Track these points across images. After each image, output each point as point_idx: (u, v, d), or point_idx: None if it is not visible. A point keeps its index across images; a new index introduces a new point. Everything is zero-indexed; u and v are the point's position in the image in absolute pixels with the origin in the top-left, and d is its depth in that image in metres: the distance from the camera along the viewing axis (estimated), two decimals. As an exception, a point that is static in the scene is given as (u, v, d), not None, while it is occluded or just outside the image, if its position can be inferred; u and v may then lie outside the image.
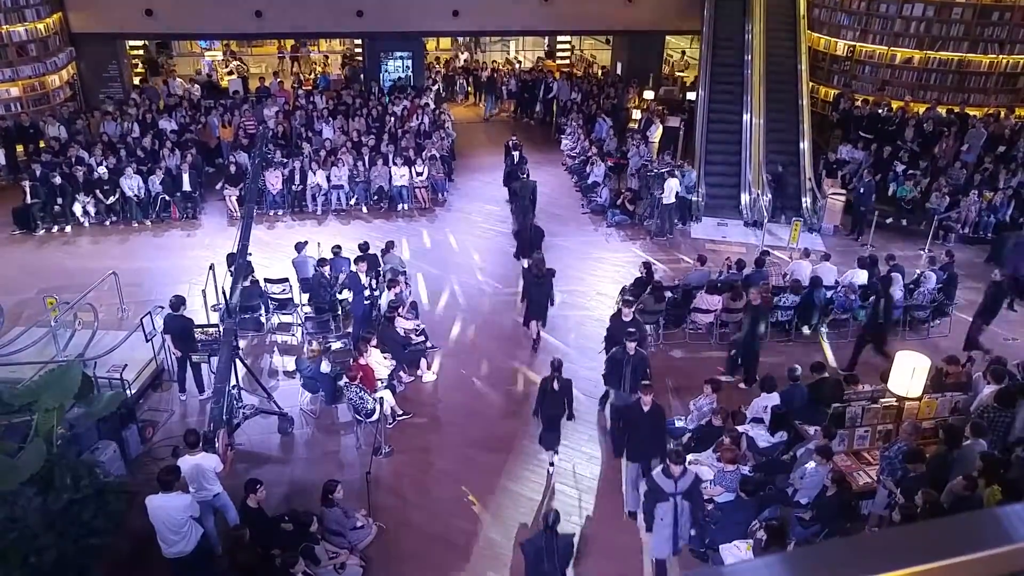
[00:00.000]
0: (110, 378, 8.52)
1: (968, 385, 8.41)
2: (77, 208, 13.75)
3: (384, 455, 8.31)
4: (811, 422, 7.97)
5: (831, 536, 6.64)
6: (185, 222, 14.21)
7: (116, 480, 7.13)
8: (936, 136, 16.04)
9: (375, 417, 8.38)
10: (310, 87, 20.87)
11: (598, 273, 12.64)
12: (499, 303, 11.52)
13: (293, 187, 14.64)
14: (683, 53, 24.75)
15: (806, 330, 10.86)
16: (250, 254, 9.58)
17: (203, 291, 10.09)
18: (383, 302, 10.08)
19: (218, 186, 14.90)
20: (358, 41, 22.17)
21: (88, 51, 18.23)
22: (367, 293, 10.23)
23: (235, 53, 23.47)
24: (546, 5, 19.05)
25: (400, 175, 14.78)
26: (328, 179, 14.66)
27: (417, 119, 17.53)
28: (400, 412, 8.90)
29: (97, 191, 13.86)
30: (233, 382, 8.34)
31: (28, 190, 13.51)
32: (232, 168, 14.64)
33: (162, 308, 9.50)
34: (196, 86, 19.83)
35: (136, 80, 20.67)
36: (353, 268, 10.36)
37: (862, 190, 14.02)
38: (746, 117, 15.70)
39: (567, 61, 25.50)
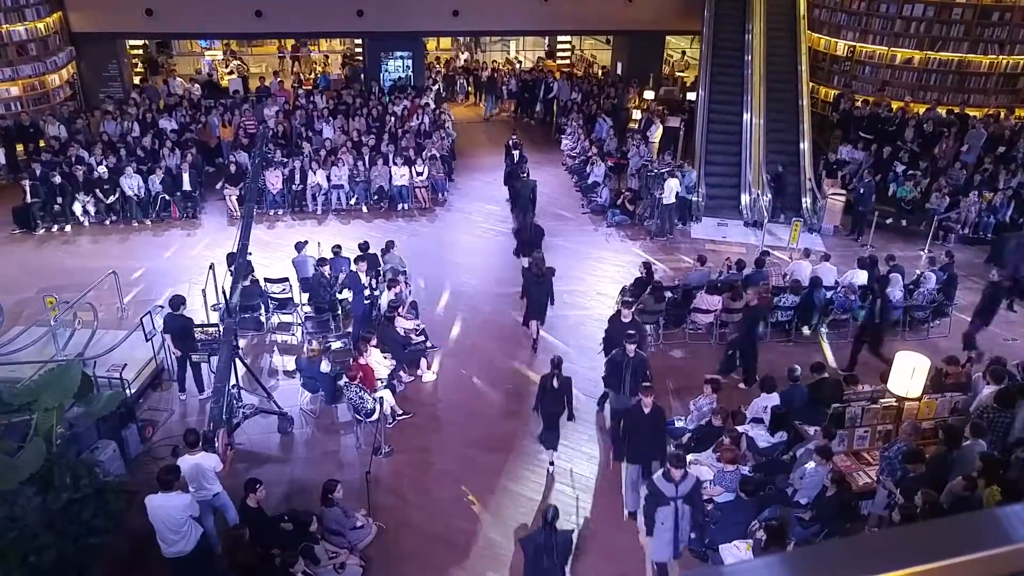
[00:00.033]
0: (110, 377, 8.52)
1: (968, 385, 8.42)
2: (77, 207, 13.75)
3: (384, 455, 8.31)
4: (811, 422, 7.97)
5: (831, 536, 6.64)
6: (185, 222, 14.21)
7: (116, 479, 7.13)
8: (936, 136, 16.04)
9: (375, 417, 8.38)
10: (310, 87, 20.87)
11: (598, 273, 12.64)
12: (499, 303, 11.52)
13: (293, 187, 14.64)
14: (683, 53, 24.75)
15: (806, 330, 10.86)
16: (250, 253, 9.58)
17: (203, 290, 10.09)
18: (383, 302, 10.08)
19: (218, 186, 14.91)
20: (358, 41, 22.18)
21: (88, 50, 18.23)
22: (367, 293, 10.23)
23: (235, 53, 23.48)
24: (546, 5, 19.05)
25: (400, 175, 14.78)
26: (328, 179, 14.66)
27: (417, 119, 17.53)
28: (400, 412, 8.90)
29: (97, 190, 13.86)
30: (233, 382, 8.34)
31: (28, 189, 13.51)
32: (232, 168, 14.64)
33: (162, 307, 9.51)
34: (196, 85, 19.83)
35: (136, 80, 20.66)
36: (353, 268, 10.36)
37: (862, 190, 14.02)
38: (746, 117, 15.70)
39: (567, 61, 25.50)
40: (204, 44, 24.21)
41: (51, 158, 14.59)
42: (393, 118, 17.49)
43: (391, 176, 14.83)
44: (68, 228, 13.75)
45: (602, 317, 10.18)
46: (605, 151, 16.69)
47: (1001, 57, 16.45)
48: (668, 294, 10.49)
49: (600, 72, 23.63)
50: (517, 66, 23.34)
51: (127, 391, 8.48)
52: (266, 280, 10.59)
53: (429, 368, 9.84)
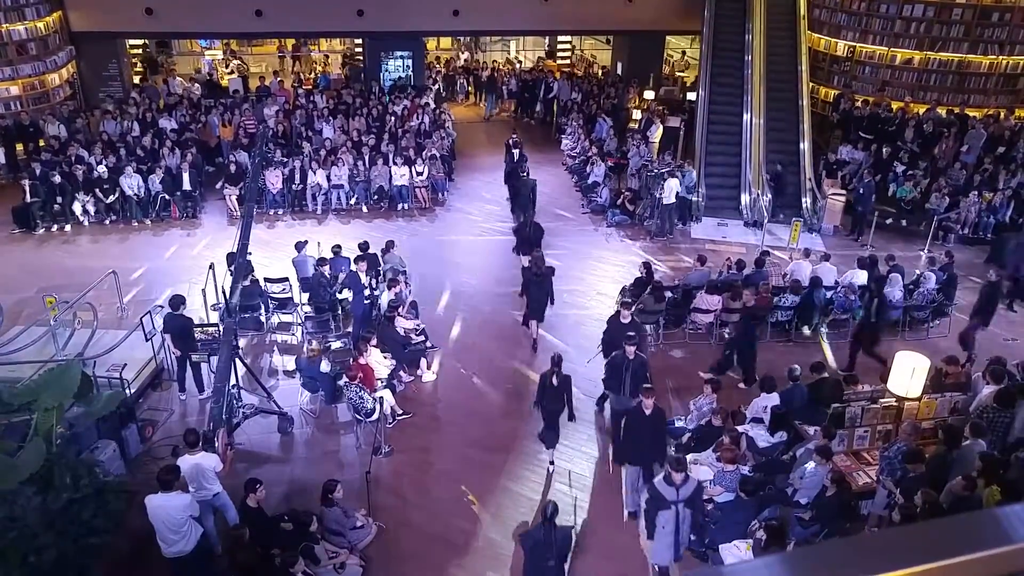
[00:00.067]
0: (109, 377, 8.52)
1: (967, 385, 8.42)
2: (77, 207, 13.75)
3: (384, 455, 8.31)
4: (811, 422, 7.97)
5: (831, 536, 6.64)
6: (185, 221, 14.21)
7: (116, 479, 7.13)
8: (936, 137, 16.05)
9: (375, 417, 8.38)
10: (310, 86, 20.87)
11: (598, 273, 12.64)
12: (499, 303, 11.51)
13: (293, 186, 14.64)
14: (683, 53, 24.76)
15: (806, 330, 10.87)
16: (250, 253, 9.58)
17: (203, 290, 10.09)
18: (383, 302, 10.08)
19: (218, 185, 14.91)
20: (358, 40, 22.18)
21: (88, 50, 18.23)
22: (367, 293, 10.23)
23: (235, 52, 23.47)
24: (546, 5, 19.05)
25: (400, 175, 14.78)
26: (328, 178, 14.66)
27: (417, 119, 17.53)
28: (400, 412, 8.90)
29: (97, 190, 13.86)
30: (233, 381, 8.34)
31: (28, 189, 13.51)
32: (232, 167, 14.64)
33: (162, 307, 9.51)
34: (196, 85, 19.84)
35: (136, 79, 20.66)
36: (353, 267, 10.36)
37: (862, 190, 14.02)
38: (746, 117, 15.70)
39: (567, 61, 25.50)
40: (204, 44, 24.22)
41: (51, 158, 14.59)
42: (393, 118, 17.49)
43: (391, 176, 14.83)
44: (68, 228, 13.75)
45: (602, 317, 10.18)
46: (605, 151, 16.69)
47: (1001, 57, 16.45)
48: (668, 294, 10.49)
49: (600, 72, 23.63)
50: (517, 66, 23.35)
51: (127, 391, 8.48)
52: (266, 280, 10.59)
53: (429, 368, 9.84)
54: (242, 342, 9.71)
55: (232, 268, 9.85)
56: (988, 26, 16.24)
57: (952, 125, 16.12)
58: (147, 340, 9.19)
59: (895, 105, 17.07)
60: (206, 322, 9.48)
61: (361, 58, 22.05)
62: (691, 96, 18.21)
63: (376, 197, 14.95)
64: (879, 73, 17.56)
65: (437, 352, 10.11)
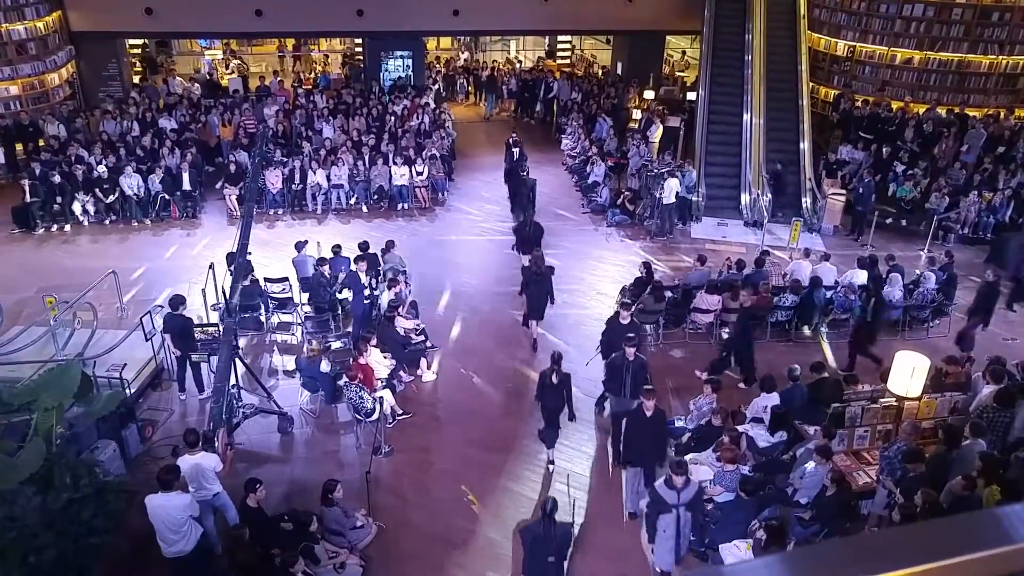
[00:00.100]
0: (109, 377, 8.52)
1: (967, 385, 8.42)
2: (76, 207, 13.74)
3: (384, 455, 8.31)
4: (811, 422, 7.97)
5: (831, 536, 6.64)
6: (185, 221, 14.21)
7: (116, 479, 7.13)
8: (936, 136, 16.05)
9: (375, 417, 8.38)
10: (310, 86, 20.88)
11: (598, 272, 12.65)
12: (499, 303, 11.51)
13: (293, 186, 14.63)
14: (683, 53, 24.76)
15: (806, 330, 10.88)
16: (250, 253, 9.58)
17: (203, 290, 10.09)
18: (383, 302, 10.08)
19: (218, 185, 14.91)
20: (358, 40, 22.18)
21: (88, 50, 18.23)
22: (367, 292, 10.23)
23: (235, 52, 23.47)
24: (546, 5, 19.04)
25: (400, 174, 14.78)
26: (328, 178, 14.66)
27: (417, 118, 17.53)
28: (400, 412, 8.90)
29: (96, 190, 13.86)
30: (233, 381, 8.34)
31: (27, 189, 13.50)
32: (232, 167, 14.63)
33: (161, 307, 9.51)
34: (196, 85, 19.84)
35: (135, 79, 20.66)
36: (353, 267, 10.36)
37: (862, 190, 14.02)
38: (746, 117, 15.70)
39: (567, 61, 25.50)
40: (204, 43, 24.21)
41: (50, 157, 14.58)
42: (393, 118, 17.49)
43: (391, 176, 14.83)
44: (67, 228, 13.74)
45: (602, 317, 10.18)
46: (605, 151, 16.69)
47: (1001, 57, 16.45)
48: (668, 294, 10.49)
49: (600, 72, 23.62)
50: (517, 66, 23.34)
51: (127, 391, 8.48)
52: (266, 280, 10.59)
53: (429, 368, 9.84)
54: (242, 342, 9.71)
55: (232, 268, 9.85)
56: (988, 26, 16.24)
57: (952, 125, 16.12)
58: (147, 340, 9.19)
59: (895, 105, 17.07)
60: (206, 322, 9.48)
61: (361, 58, 22.05)
62: (691, 96, 18.20)
63: (376, 197, 14.95)
64: (879, 73, 17.56)
65: (437, 352, 10.11)
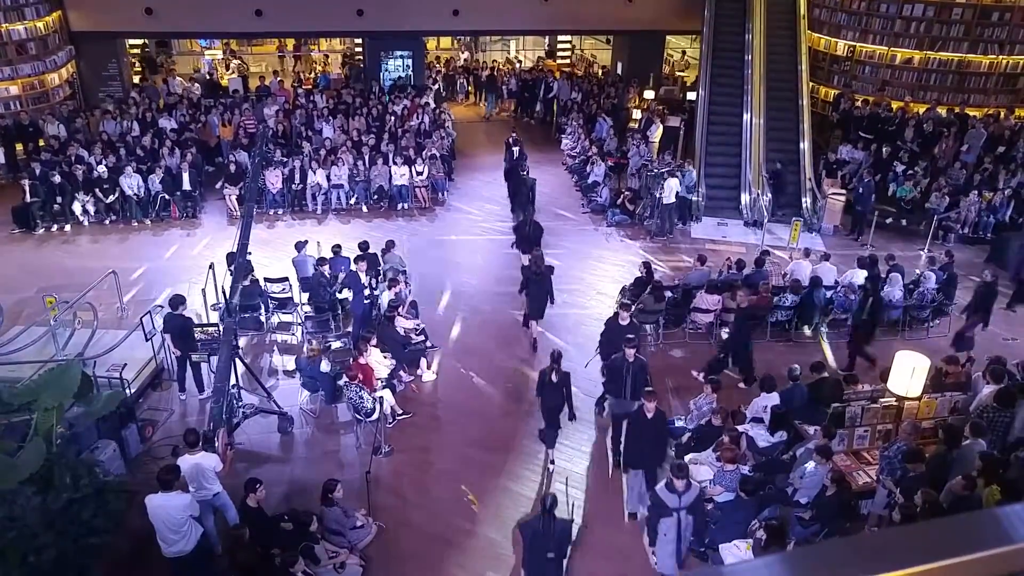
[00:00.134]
0: (109, 377, 8.52)
1: (967, 385, 8.42)
2: (76, 207, 13.74)
3: (384, 454, 8.31)
4: (811, 422, 7.97)
5: (831, 536, 6.64)
6: (185, 221, 14.20)
7: (116, 479, 7.13)
8: (936, 136, 16.05)
9: (375, 416, 8.38)
10: (310, 86, 20.88)
11: (598, 272, 12.65)
12: (499, 303, 11.51)
13: (293, 186, 14.63)
14: (683, 53, 24.76)
15: (806, 330, 10.88)
16: (250, 253, 9.58)
17: (203, 290, 10.09)
18: (383, 301, 10.08)
19: (218, 185, 14.91)
20: (358, 40, 22.17)
21: (88, 50, 18.23)
22: (367, 292, 10.23)
23: (235, 52, 23.47)
24: (546, 5, 19.04)
25: (400, 174, 14.78)
26: (328, 178, 14.66)
27: (417, 118, 17.53)
28: (400, 411, 8.90)
29: (97, 190, 13.86)
30: (233, 381, 8.34)
31: (27, 189, 13.50)
32: (232, 167, 14.64)
33: (161, 307, 9.51)
34: (196, 85, 19.83)
35: (135, 79, 20.66)
36: (353, 267, 10.36)
37: (862, 190, 14.02)
38: (746, 117, 15.70)
39: (567, 61, 25.50)
40: (204, 43, 24.22)
41: (50, 157, 14.58)
42: (393, 117, 17.49)
43: (391, 175, 14.83)
44: (68, 228, 13.74)
45: (601, 316, 10.18)
46: (605, 151, 16.69)
47: (1001, 57, 16.45)
48: (668, 294, 10.49)
49: (600, 72, 23.62)
50: (517, 65, 23.34)
51: (127, 391, 8.48)
52: (266, 280, 10.59)
53: (429, 368, 9.84)
54: (242, 342, 9.71)
55: (232, 268, 9.85)
56: (988, 26, 16.24)
57: (952, 125, 16.12)
58: (147, 340, 9.19)
59: (895, 105, 17.07)
60: (206, 322, 9.48)
61: (361, 58, 22.05)
62: (691, 96, 18.20)
63: (376, 197, 14.95)
64: (879, 73, 17.56)
65: (437, 352, 10.11)
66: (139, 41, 22.03)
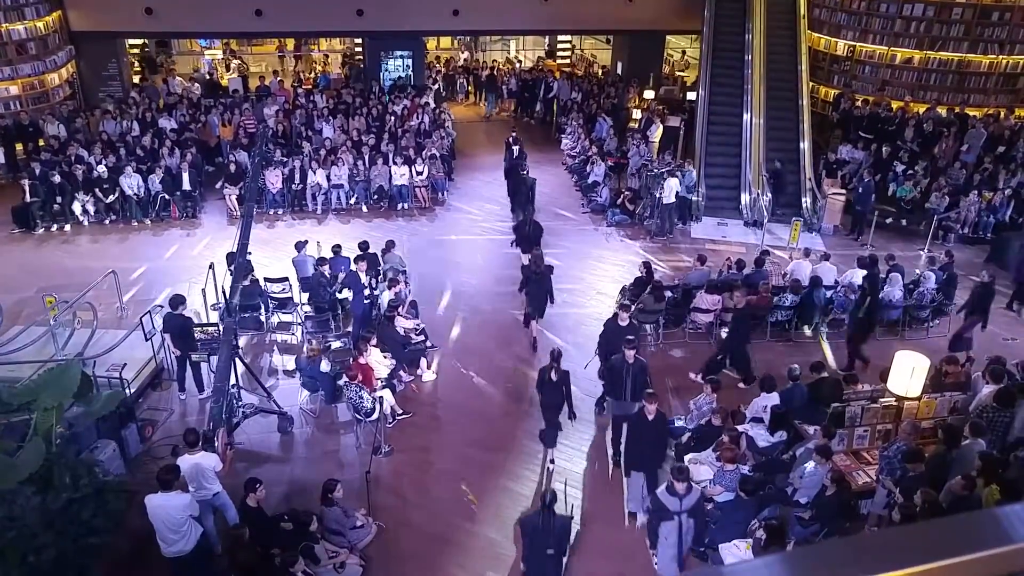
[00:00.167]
0: (109, 377, 8.52)
1: (967, 385, 8.42)
2: (76, 207, 13.74)
3: (384, 454, 8.31)
4: (811, 422, 7.97)
5: (830, 535, 6.64)
6: (185, 221, 14.20)
7: (115, 479, 7.13)
8: (936, 136, 16.05)
9: (375, 416, 8.38)
10: (310, 86, 20.87)
11: (598, 272, 12.65)
12: (499, 302, 11.51)
13: (293, 186, 14.63)
14: (683, 53, 24.76)
15: (806, 330, 10.88)
16: (250, 253, 9.58)
17: (203, 290, 10.09)
18: (383, 301, 10.08)
19: (218, 185, 14.91)
20: (358, 40, 22.17)
21: (88, 49, 18.23)
22: (367, 292, 10.23)
23: (235, 52, 23.47)
24: (546, 5, 19.03)
25: (400, 174, 14.78)
26: (328, 178, 14.66)
27: (417, 118, 17.53)
28: (400, 411, 8.90)
29: (96, 190, 13.86)
30: (233, 381, 8.34)
31: (27, 189, 13.50)
32: (232, 167, 14.63)
33: (161, 307, 9.51)
34: (196, 85, 19.83)
35: (135, 79, 20.65)
36: (353, 267, 10.36)
37: (862, 190, 14.02)
38: (746, 117, 15.70)
39: (567, 61, 25.50)
40: (204, 43, 24.21)
41: (50, 157, 14.58)
42: (393, 117, 17.49)
43: (391, 175, 14.83)
44: (67, 227, 13.74)
45: (601, 316, 10.18)
46: (605, 151, 16.69)
47: (1001, 57, 16.45)
48: (668, 294, 10.49)
49: (600, 72, 23.62)
50: (517, 65, 23.34)
51: (127, 391, 8.48)
52: (266, 280, 10.59)
53: (429, 368, 9.84)
54: (242, 342, 9.70)
55: (232, 268, 9.85)
56: (988, 26, 16.24)
57: (952, 125, 16.12)
58: (147, 340, 9.19)
59: (895, 105, 17.07)
60: (206, 322, 9.47)
61: (361, 58, 22.05)
62: (691, 96, 18.20)
63: (376, 197, 14.95)
64: (879, 73, 17.56)
65: (437, 352, 10.11)
66: (139, 41, 22.02)
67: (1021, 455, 6.84)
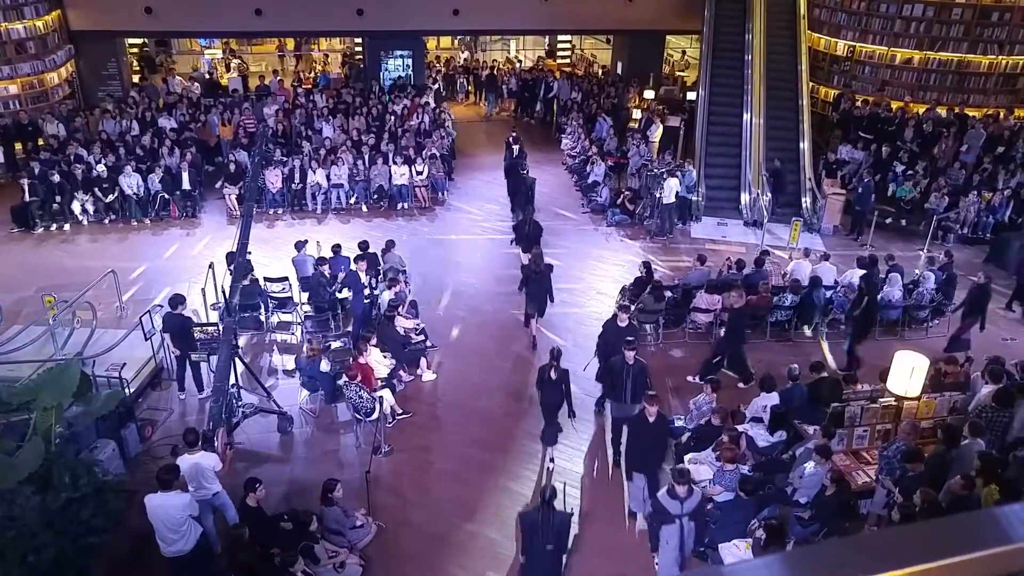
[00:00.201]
0: (109, 377, 8.52)
1: (966, 385, 8.43)
2: (76, 206, 13.74)
3: (384, 454, 8.31)
4: (810, 421, 7.97)
5: (830, 535, 6.64)
6: (184, 221, 14.20)
7: (115, 479, 7.13)
8: (936, 136, 16.05)
9: (374, 416, 8.38)
10: (310, 85, 20.87)
11: (597, 272, 12.65)
12: (499, 302, 11.51)
13: (293, 186, 14.63)
14: (683, 53, 24.76)
15: (806, 330, 10.88)
16: (250, 253, 9.58)
17: (203, 290, 10.09)
18: (383, 301, 10.08)
19: (218, 184, 14.91)
20: (358, 40, 22.17)
21: (87, 49, 18.22)
22: (367, 292, 10.23)
23: (235, 51, 23.47)
24: (546, 4, 19.03)
25: (400, 174, 14.78)
26: (328, 178, 14.66)
27: (417, 118, 17.53)
28: (400, 411, 8.90)
29: (96, 189, 13.85)
30: (232, 381, 8.34)
31: (27, 188, 13.49)
32: (232, 166, 14.63)
33: (161, 306, 9.50)
34: (196, 84, 19.83)
35: (134, 78, 20.65)
36: (353, 267, 10.36)
37: (861, 190, 14.03)
38: (746, 117, 15.70)
39: (567, 60, 25.50)
40: (204, 43, 24.21)
41: (50, 157, 14.57)
42: (393, 117, 17.49)
43: (391, 175, 14.83)
44: (67, 227, 13.74)
45: (601, 316, 10.18)
46: (605, 150, 16.69)
47: (1001, 57, 16.45)
48: (668, 294, 10.49)
49: (600, 71, 23.63)
50: (517, 65, 23.33)
51: (126, 390, 8.48)
52: (266, 279, 10.59)
53: (429, 368, 9.84)
54: (242, 341, 9.70)
55: (232, 267, 9.84)
56: (988, 26, 16.24)
57: (952, 125, 16.13)
58: (146, 339, 9.18)
59: (895, 105, 17.07)
60: (205, 321, 9.47)
61: (361, 57, 22.04)
62: (691, 96, 18.20)
63: (376, 196, 14.95)
64: (879, 73, 17.56)
65: (437, 352, 10.11)
66: (139, 40, 22.00)
67: (1020, 455, 6.85)
